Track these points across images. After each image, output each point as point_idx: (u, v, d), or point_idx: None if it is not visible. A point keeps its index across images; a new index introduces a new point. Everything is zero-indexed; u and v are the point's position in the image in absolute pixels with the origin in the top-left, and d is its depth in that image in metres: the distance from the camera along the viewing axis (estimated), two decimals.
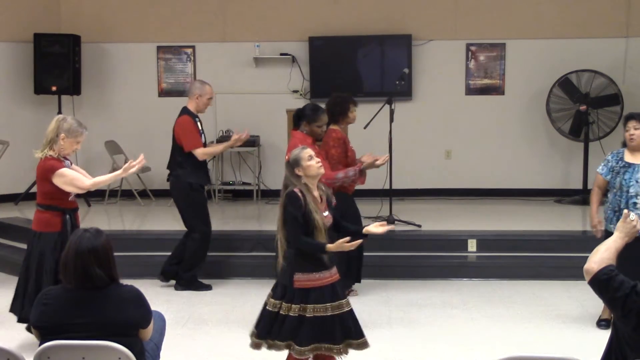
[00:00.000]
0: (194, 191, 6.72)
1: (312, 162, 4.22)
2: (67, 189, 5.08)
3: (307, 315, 4.11)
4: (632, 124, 5.54)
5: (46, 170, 5.06)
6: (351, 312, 4.25)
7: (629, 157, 5.56)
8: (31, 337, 5.25)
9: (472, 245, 7.42)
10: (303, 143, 5.45)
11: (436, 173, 10.02)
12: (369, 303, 6.33)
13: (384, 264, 7.24)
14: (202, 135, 6.79)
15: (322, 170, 4.30)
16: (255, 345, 4.25)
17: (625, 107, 9.31)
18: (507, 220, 8.42)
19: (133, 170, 5.25)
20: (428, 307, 6.25)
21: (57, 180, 5.04)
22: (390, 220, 7.90)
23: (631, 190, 5.43)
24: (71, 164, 5.33)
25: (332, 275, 4.25)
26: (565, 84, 9.43)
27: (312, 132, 5.85)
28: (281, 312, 4.14)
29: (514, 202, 9.60)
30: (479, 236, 7.50)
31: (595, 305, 5.65)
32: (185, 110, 6.75)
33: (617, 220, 5.40)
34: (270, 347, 4.18)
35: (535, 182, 9.93)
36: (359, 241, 4.19)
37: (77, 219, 5.33)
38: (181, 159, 6.68)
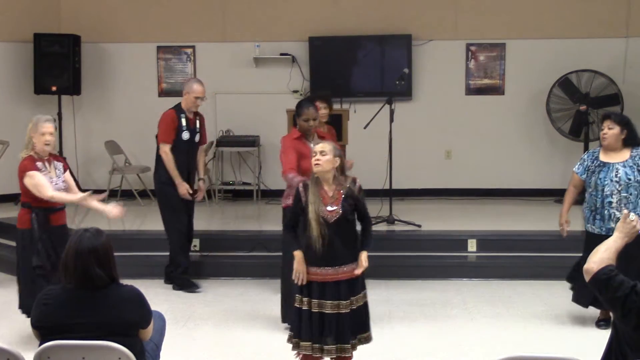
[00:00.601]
0: (165, 185, 6.66)
1: (313, 158, 4.30)
2: (33, 191, 5.19)
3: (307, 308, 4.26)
4: (606, 123, 5.55)
5: (20, 170, 5.25)
6: (350, 315, 4.30)
7: (603, 157, 5.56)
8: (20, 328, 5.31)
9: (472, 245, 7.43)
10: (286, 137, 5.64)
11: (436, 173, 10.02)
12: (369, 303, 6.31)
13: (384, 264, 7.23)
14: (187, 132, 6.69)
15: (319, 169, 4.30)
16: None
17: (625, 107, 9.32)
18: (507, 220, 8.42)
19: (91, 205, 5.28)
20: (428, 307, 6.25)
21: (26, 181, 5.21)
22: (390, 220, 7.91)
23: (606, 189, 5.43)
24: (66, 169, 5.44)
25: (336, 273, 4.26)
26: (565, 84, 9.43)
27: (300, 126, 5.77)
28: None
29: (514, 202, 9.61)
30: (479, 236, 7.50)
31: None
32: (174, 105, 6.75)
33: (594, 220, 5.46)
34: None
35: (535, 182, 9.93)
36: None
37: (50, 220, 5.32)
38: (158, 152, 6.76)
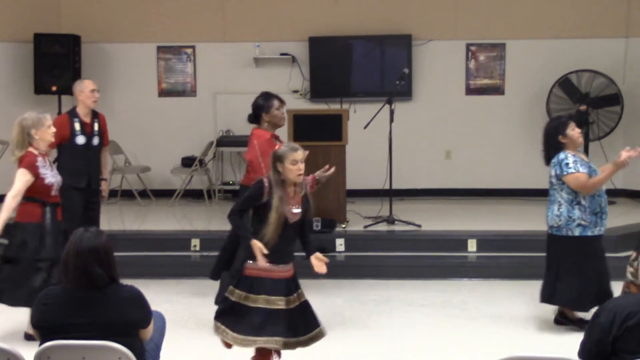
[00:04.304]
0: (66, 190, 6.19)
1: (295, 167, 4.26)
2: (15, 184, 5.18)
3: (250, 305, 4.25)
4: (574, 124, 5.51)
5: (24, 164, 5.22)
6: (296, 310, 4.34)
7: (584, 157, 5.54)
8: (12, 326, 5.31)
9: (472, 245, 7.43)
10: (259, 139, 5.60)
11: (436, 173, 10.02)
12: (368, 303, 6.33)
13: (384, 264, 7.24)
14: (82, 136, 6.45)
15: (300, 179, 4.33)
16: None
17: (625, 107, 9.34)
18: (507, 220, 8.42)
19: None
20: (428, 307, 6.25)
21: (18, 173, 5.19)
22: (390, 220, 7.91)
23: (603, 187, 5.44)
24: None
25: (283, 270, 4.32)
26: (565, 84, 9.43)
27: (273, 117, 5.73)
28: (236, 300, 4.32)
29: (514, 202, 9.61)
30: (479, 236, 7.50)
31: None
32: (70, 109, 6.60)
33: (601, 220, 5.40)
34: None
35: (535, 182, 9.87)
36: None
37: (59, 214, 5.41)
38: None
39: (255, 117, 5.83)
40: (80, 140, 6.47)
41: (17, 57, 9.78)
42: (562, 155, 5.41)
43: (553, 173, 5.45)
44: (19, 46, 9.75)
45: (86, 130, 6.50)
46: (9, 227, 5.28)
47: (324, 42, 9.90)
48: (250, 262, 4.27)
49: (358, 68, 10.04)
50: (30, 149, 5.26)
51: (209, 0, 10.05)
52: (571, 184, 5.34)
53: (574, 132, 5.46)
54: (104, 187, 6.89)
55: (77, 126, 6.46)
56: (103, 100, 10.12)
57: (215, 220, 8.98)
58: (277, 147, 4.43)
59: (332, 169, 5.10)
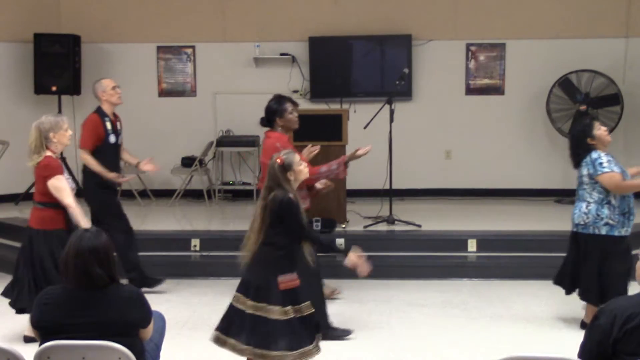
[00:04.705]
0: (102, 188, 6.48)
1: (302, 167, 4.28)
2: (52, 191, 5.16)
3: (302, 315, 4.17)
4: (600, 123, 5.54)
5: (48, 170, 5.15)
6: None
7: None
8: (20, 329, 5.31)
9: (472, 245, 7.43)
10: (280, 141, 5.49)
11: (436, 173, 10.02)
12: (368, 303, 6.33)
13: (384, 264, 7.23)
14: (113, 135, 6.52)
15: (308, 175, 4.40)
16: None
17: (625, 107, 9.33)
18: (507, 220, 8.42)
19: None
20: (428, 307, 6.25)
21: (51, 182, 5.14)
22: (390, 220, 7.91)
23: None
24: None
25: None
26: (565, 84, 9.43)
27: (287, 121, 5.72)
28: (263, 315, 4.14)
29: (514, 202, 9.61)
30: (479, 236, 7.50)
31: None
32: (96, 109, 6.59)
33: (627, 224, 5.37)
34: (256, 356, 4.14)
35: (535, 182, 9.93)
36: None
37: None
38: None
39: (268, 121, 5.78)
40: (112, 139, 6.54)
41: (17, 57, 9.79)
42: (594, 155, 5.40)
43: (585, 172, 5.43)
44: (19, 46, 9.75)
45: (115, 128, 6.57)
46: (29, 236, 5.25)
47: (324, 42, 9.90)
48: (284, 275, 4.19)
49: (358, 68, 10.04)
50: (49, 153, 5.20)
51: (209, 0, 10.05)
52: (605, 183, 5.32)
53: (600, 131, 5.47)
54: (147, 164, 6.72)
55: (108, 125, 6.52)
56: None
57: (215, 220, 8.99)
58: (276, 160, 4.27)
59: (368, 148, 5.37)
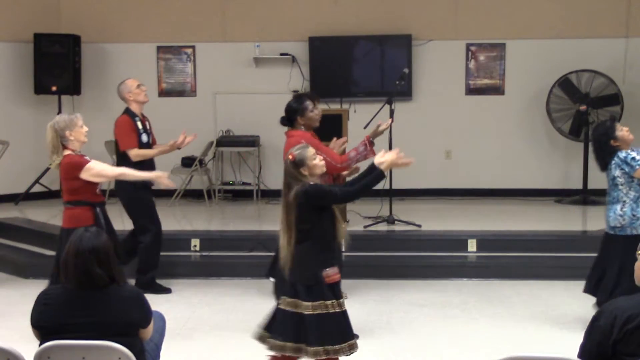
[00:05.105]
0: (138, 190, 6.46)
1: (317, 160, 4.23)
2: (96, 180, 5.21)
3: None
4: (620, 124, 5.53)
5: (73, 168, 5.17)
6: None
7: None
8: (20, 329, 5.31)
9: (472, 245, 7.42)
10: (304, 138, 5.40)
11: (436, 173, 10.01)
12: (368, 303, 6.33)
13: (383, 264, 7.24)
14: (145, 134, 6.58)
15: (325, 169, 4.35)
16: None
17: (625, 107, 9.33)
18: (507, 220, 8.42)
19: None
20: (428, 307, 6.24)
21: (85, 175, 5.15)
22: (390, 220, 7.91)
23: None
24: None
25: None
26: (565, 84, 9.43)
27: (308, 119, 5.70)
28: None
29: (514, 202, 9.61)
30: (479, 236, 7.50)
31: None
32: (124, 110, 6.62)
33: None
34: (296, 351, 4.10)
35: (535, 182, 9.93)
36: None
37: (106, 212, 5.45)
38: (118, 159, 6.63)
39: (289, 120, 5.74)
40: (145, 138, 6.58)
41: (17, 57, 9.79)
42: (622, 154, 5.36)
43: (618, 173, 5.38)
44: (19, 46, 9.75)
45: (145, 127, 6.61)
46: (60, 237, 5.26)
47: (324, 42, 9.90)
48: (327, 270, 4.14)
49: (358, 68, 10.04)
50: (68, 152, 5.18)
51: (209, 0, 10.05)
52: None
53: (622, 132, 5.44)
54: (189, 138, 6.81)
55: (139, 125, 6.55)
56: (103, 100, 10.17)
57: (215, 220, 8.99)
58: (288, 156, 4.24)
59: (389, 121, 5.36)
